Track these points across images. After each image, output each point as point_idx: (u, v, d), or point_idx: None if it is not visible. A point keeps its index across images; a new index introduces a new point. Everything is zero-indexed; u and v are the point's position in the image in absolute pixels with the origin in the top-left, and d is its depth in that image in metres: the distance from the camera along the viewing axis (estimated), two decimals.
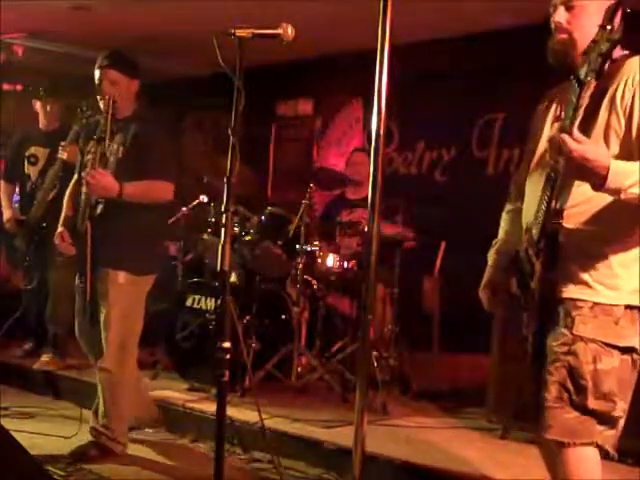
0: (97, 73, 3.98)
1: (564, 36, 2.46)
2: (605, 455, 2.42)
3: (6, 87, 7.81)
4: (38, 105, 5.76)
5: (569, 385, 2.35)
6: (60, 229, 4.02)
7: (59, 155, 5.22)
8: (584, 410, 2.34)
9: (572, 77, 2.33)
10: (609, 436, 2.39)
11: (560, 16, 2.47)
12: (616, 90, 2.37)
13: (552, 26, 2.50)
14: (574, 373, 2.35)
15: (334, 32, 6.45)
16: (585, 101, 2.30)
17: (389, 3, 2.41)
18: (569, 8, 2.46)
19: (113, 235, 3.85)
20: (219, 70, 2.58)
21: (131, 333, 4.02)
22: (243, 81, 2.57)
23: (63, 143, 5.14)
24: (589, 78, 2.24)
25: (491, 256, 2.78)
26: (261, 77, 6.14)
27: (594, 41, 2.23)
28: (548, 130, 2.55)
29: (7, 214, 5.72)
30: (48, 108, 5.70)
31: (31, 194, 5.58)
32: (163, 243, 4.47)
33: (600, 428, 2.36)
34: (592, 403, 2.34)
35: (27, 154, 5.70)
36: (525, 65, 5.74)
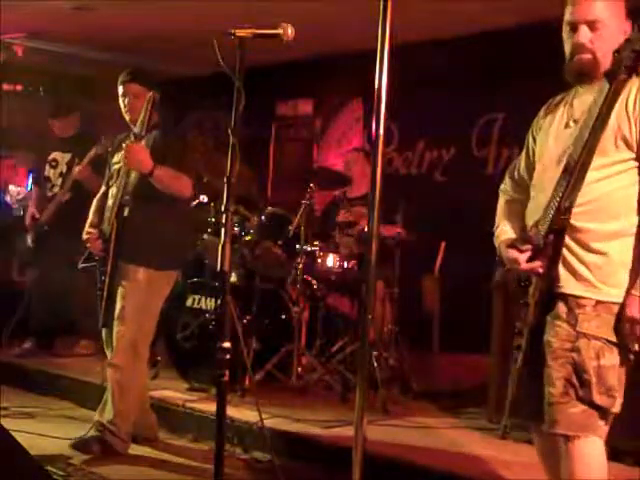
0: (120, 89, 4.17)
1: (588, 57, 2.45)
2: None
3: (6, 87, 7.84)
4: (54, 123, 6.16)
5: (574, 380, 2.39)
6: (88, 229, 4.17)
7: (73, 174, 5.65)
8: (590, 404, 2.39)
9: (604, 75, 2.34)
10: (605, 432, 2.44)
11: (584, 37, 2.45)
12: (628, 97, 2.40)
13: (571, 46, 2.49)
14: (578, 368, 2.39)
15: (334, 32, 6.45)
16: (611, 97, 2.33)
17: (389, 3, 2.40)
18: (594, 29, 2.44)
19: (137, 234, 4.01)
20: (219, 70, 2.58)
21: (145, 331, 4.09)
22: (243, 81, 2.57)
23: (78, 168, 5.55)
24: (621, 74, 2.26)
25: (502, 235, 2.69)
26: (261, 77, 6.14)
27: (628, 40, 2.26)
28: (555, 132, 2.57)
29: (29, 212, 6.14)
30: (60, 123, 6.11)
31: (51, 196, 6.00)
32: (186, 242, 4.55)
33: (601, 423, 2.41)
34: (597, 398, 2.38)
35: (49, 158, 6.10)
36: (525, 65, 5.75)
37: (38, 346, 6.03)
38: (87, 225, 4.22)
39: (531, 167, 2.69)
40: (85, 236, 4.16)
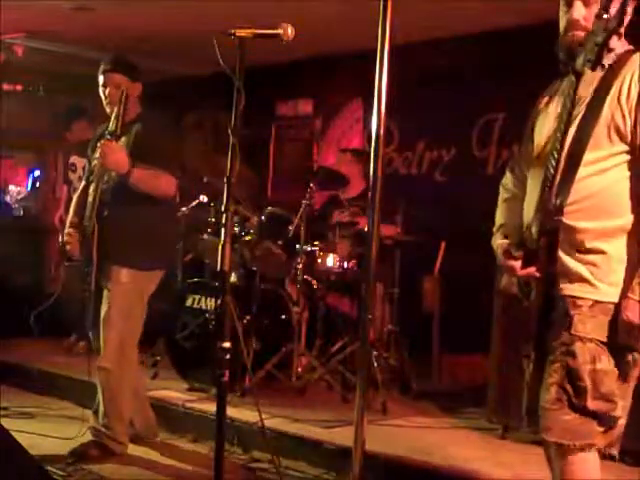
0: (101, 78, 4.02)
1: (581, 33, 2.41)
2: (606, 456, 2.40)
3: (6, 87, 7.85)
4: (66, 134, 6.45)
5: (567, 387, 2.32)
6: (68, 230, 4.07)
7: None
8: (583, 411, 2.32)
9: (570, 69, 2.32)
10: (610, 436, 2.37)
11: (578, 13, 2.41)
12: (621, 86, 2.34)
13: (566, 22, 2.45)
14: (572, 374, 2.32)
15: (334, 32, 6.45)
16: (582, 92, 2.30)
17: (389, 3, 2.41)
18: (588, 5, 2.41)
19: (119, 235, 3.90)
20: (219, 70, 2.58)
21: (131, 332, 4.03)
22: (243, 81, 2.57)
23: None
24: (585, 68, 2.24)
25: (499, 239, 2.64)
26: (261, 77, 6.14)
27: (591, 32, 2.23)
28: (550, 124, 2.50)
29: (57, 213, 6.44)
30: (72, 132, 6.37)
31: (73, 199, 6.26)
32: (171, 241, 4.51)
33: (600, 429, 2.34)
34: (592, 404, 2.32)
35: (69, 162, 6.34)
36: (525, 65, 5.74)
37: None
38: (67, 225, 4.12)
39: (529, 159, 2.60)
40: (65, 238, 4.04)
